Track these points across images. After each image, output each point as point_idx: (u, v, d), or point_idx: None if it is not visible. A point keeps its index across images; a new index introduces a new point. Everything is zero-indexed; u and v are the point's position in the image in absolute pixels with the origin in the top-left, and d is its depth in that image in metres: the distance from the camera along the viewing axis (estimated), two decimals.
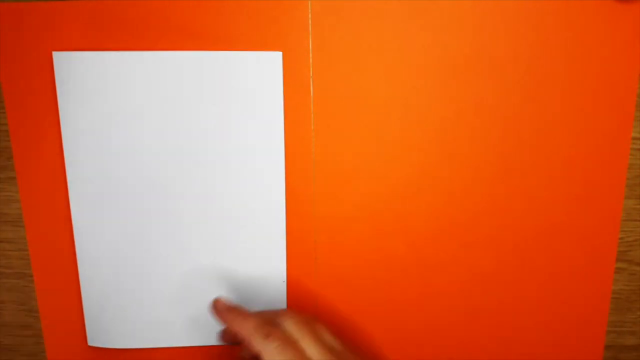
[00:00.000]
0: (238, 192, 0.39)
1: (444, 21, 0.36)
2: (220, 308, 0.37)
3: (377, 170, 0.38)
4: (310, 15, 0.37)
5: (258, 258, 0.40)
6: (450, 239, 0.39)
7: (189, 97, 0.37)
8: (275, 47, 0.37)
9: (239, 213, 0.39)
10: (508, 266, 0.40)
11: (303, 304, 0.41)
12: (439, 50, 0.37)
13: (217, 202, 0.39)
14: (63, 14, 0.37)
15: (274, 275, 0.40)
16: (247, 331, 0.31)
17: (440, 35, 0.37)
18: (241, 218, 0.39)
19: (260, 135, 0.38)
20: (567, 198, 0.39)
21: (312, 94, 0.38)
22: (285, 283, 0.41)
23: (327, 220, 0.40)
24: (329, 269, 0.40)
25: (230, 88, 0.37)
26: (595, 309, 0.41)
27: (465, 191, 0.38)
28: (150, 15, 0.37)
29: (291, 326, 0.32)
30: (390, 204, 0.39)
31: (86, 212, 0.39)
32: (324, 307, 0.41)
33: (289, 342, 0.31)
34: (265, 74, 0.37)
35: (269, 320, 0.32)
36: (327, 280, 0.40)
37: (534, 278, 0.40)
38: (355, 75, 0.37)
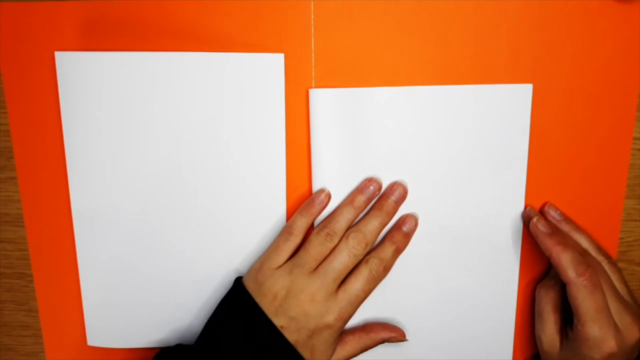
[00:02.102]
0: (239, 192, 0.39)
1: (446, 22, 0.36)
2: (541, 231, 0.36)
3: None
4: (312, 17, 0.37)
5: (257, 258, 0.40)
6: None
7: (191, 98, 0.37)
8: (278, 48, 0.37)
9: (239, 214, 0.39)
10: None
11: None
12: (440, 52, 0.37)
13: (218, 203, 0.39)
14: (65, 14, 0.37)
15: None
16: (565, 262, 0.34)
17: (442, 37, 0.37)
18: (242, 218, 0.39)
19: (262, 137, 0.38)
20: (568, 198, 0.39)
21: None
22: None
23: None
24: None
25: (233, 89, 0.37)
26: None
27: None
28: (153, 17, 0.37)
29: (599, 272, 0.35)
30: None
31: (86, 212, 0.39)
32: None
33: (596, 286, 0.34)
34: (267, 76, 0.37)
35: (582, 258, 0.34)
36: None
37: (536, 276, 0.40)
38: (357, 77, 0.37)
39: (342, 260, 0.35)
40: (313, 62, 0.37)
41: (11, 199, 0.40)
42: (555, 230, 0.36)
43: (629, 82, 0.37)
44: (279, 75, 0.37)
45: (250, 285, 0.36)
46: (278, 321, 0.34)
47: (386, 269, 0.37)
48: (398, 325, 0.40)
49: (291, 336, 0.34)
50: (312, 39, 0.37)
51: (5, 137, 0.39)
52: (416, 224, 0.38)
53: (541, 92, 0.37)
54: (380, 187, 0.38)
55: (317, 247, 0.36)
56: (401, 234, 0.37)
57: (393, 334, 0.39)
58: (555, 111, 0.38)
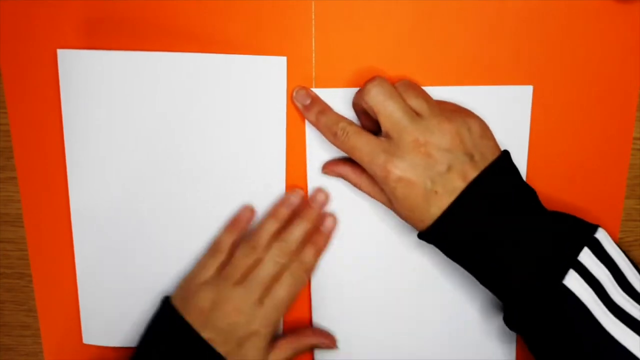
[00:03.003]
0: (239, 194, 0.39)
1: (446, 23, 0.36)
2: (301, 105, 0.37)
3: None
4: (313, 18, 0.37)
5: None
6: None
7: (192, 99, 0.37)
8: (278, 49, 0.37)
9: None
10: None
11: (300, 305, 0.41)
12: (441, 52, 0.37)
13: (218, 204, 0.39)
14: (67, 12, 0.37)
15: None
16: (322, 127, 0.36)
17: (442, 38, 0.37)
18: None
19: (262, 138, 0.38)
20: (568, 198, 0.39)
21: None
22: None
23: None
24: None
25: (234, 91, 0.37)
26: None
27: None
28: (155, 16, 0.37)
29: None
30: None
31: (86, 212, 0.39)
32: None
33: (351, 146, 0.34)
34: (269, 79, 0.37)
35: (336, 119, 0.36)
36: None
37: None
38: (357, 77, 0.37)
39: (267, 269, 0.36)
40: (313, 62, 0.37)
41: (11, 199, 0.40)
42: (315, 100, 0.37)
43: (629, 82, 0.37)
44: (281, 78, 0.37)
45: (177, 303, 0.37)
46: (206, 334, 0.35)
47: (308, 271, 0.38)
48: (396, 323, 0.41)
49: (221, 348, 0.35)
50: (313, 40, 0.37)
51: (5, 137, 0.39)
52: (334, 223, 0.39)
53: (541, 92, 0.37)
54: (302, 198, 0.39)
55: (241, 260, 0.36)
56: (321, 235, 0.38)
57: (323, 340, 0.39)
58: (555, 112, 0.38)
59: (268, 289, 0.36)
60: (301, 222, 0.38)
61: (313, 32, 0.37)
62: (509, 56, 0.37)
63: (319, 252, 0.38)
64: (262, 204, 0.39)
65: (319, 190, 0.39)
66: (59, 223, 0.40)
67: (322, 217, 0.39)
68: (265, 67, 0.37)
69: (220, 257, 0.37)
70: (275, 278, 0.36)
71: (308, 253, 0.37)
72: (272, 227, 0.37)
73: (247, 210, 0.39)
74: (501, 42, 0.37)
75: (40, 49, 0.37)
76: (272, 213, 0.38)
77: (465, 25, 0.36)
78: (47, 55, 0.37)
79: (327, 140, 0.36)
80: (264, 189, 0.39)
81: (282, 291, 0.36)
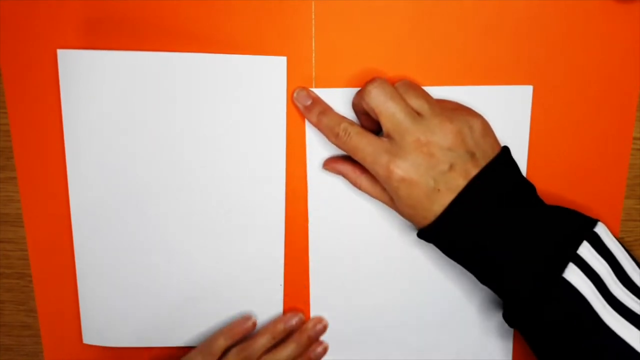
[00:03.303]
0: (238, 194, 0.39)
1: (446, 24, 0.36)
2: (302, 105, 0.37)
3: None
4: (313, 18, 0.37)
5: (256, 260, 0.40)
6: None
7: (192, 99, 0.37)
8: (278, 49, 0.37)
9: (239, 215, 0.39)
10: None
11: (299, 307, 0.41)
12: (440, 52, 0.37)
13: (218, 204, 0.39)
14: (68, 11, 0.37)
15: (272, 278, 0.40)
16: (324, 128, 0.36)
17: (442, 38, 0.37)
18: (241, 219, 0.39)
19: (262, 139, 0.38)
20: (568, 198, 0.39)
21: None
22: (282, 286, 0.41)
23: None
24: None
25: (235, 91, 0.37)
26: None
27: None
28: (155, 16, 0.37)
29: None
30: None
31: (86, 212, 0.39)
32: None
33: (353, 147, 0.34)
34: (269, 79, 0.37)
35: (339, 120, 0.36)
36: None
37: None
38: (357, 77, 0.37)
39: None
40: (313, 62, 0.37)
41: (11, 199, 0.40)
42: (316, 101, 0.37)
43: (629, 82, 0.37)
44: (281, 78, 0.37)
45: None
46: None
47: None
48: (395, 321, 0.41)
49: None
50: (313, 40, 0.37)
51: (5, 137, 0.39)
52: (324, 351, 0.41)
53: (541, 92, 0.37)
54: (302, 322, 0.41)
55: None
56: None
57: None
58: (555, 112, 0.38)
59: None
60: (293, 345, 0.40)
61: (313, 32, 0.37)
62: (509, 56, 0.37)
63: None
64: (261, 201, 0.39)
65: (320, 319, 0.41)
66: (59, 223, 0.40)
67: (314, 345, 0.41)
68: (265, 67, 0.37)
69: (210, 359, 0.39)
70: None
71: None
72: (266, 342, 0.39)
73: (248, 321, 0.40)
74: (501, 42, 0.37)
75: (40, 49, 0.37)
76: (269, 328, 0.40)
77: (465, 25, 0.36)
78: (47, 55, 0.37)
79: (327, 140, 0.36)
80: (264, 189, 0.39)
81: None
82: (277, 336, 0.40)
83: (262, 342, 0.39)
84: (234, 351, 0.39)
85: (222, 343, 0.39)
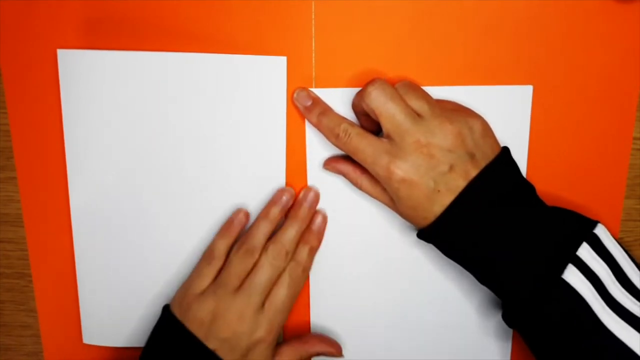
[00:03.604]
0: (239, 194, 0.39)
1: (446, 24, 0.36)
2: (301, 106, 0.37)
3: None
4: (313, 18, 0.37)
5: None
6: None
7: (193, 99, 0.37)
8: (278, 49, 0.37)
9: None
10: None
11: (298, 305, 0.41)
12: (440, 53, 0.37)
13: (218, 204, 0.39)
14: (68, 11, 0.37)
15: None
16: (324, 129, 0.36)
17: (442, 38, 0.37)
18: None
19: (263, 139, 0.38)
20: (568, 198, 0.39)
21: None
22: None
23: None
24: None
25: (235, 90, 0.37)
26: None
27: None
28: (155, 16, 0.37)
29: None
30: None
31: (86, 212, 0.39)
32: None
33: (353, 147, 0.34)
34: (269, 79, 0.37)
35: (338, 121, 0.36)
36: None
37: None
38: (358, 78, 0.37)
39: (265, 273, 0.36)
40: (313, 62, 0.37)
41: (11, 199, 0.40)
42: (316, 101, 0.37)
43: (629, 82, 0.37)
44: (281, 78, 0.37)
45: (177, 312, 0.36)
46: (210, 344, 0.35)
47: (305, 270, 0.38)
48: (394, 321, 0.41)
49: (226, 357, 0.35)
50: (313, 40, 0.37)
51: (5, 137, 0.39)
52: (324, 220, 0.39)
53: (541, 92, 0.37)
54: (293, 196, 0.39)
55: (238, 266, 0.36)
56: (312, 233, 0.38)
57: (330, 349, 0.39)
58: (555, 112, 0.38)
59: (268, 293, 0.36)
60: (294, 223, 0.38)
61: (313, 32, 0.37)
62: (509, 56, 0.37)
63: (313, 251, 0.38)
64: (261, 204, 0.39)
65: (309, 188, 0.39)
66: (59, 223, 0.40)
67: (313, 215, 0.39)
68: (265, 67, 0.37)
69: (216, 264, 0.37)
70: (274, 281, 0.36)
71: (303, 253, 0.37)
72: (265, 229, 0.37)
73: (241, 214, 0.38)
74: (501, 42, 0.37)
75: (40, 49, 0.37)
76: (264, 214, 0.38)
77: (465, 25, 0.36)
78: (47, 55, 0.37)
79: (327, 140, 0.36)
80: (264, 189, 0.39)
81: (282, 294, 0.36)
82: (274, 220, 0.38)
83: (262, 230, 0.37)
84: (236, 248, 0.37)
85: (222, 245, 0.37)
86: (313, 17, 0.37)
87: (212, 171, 0.39)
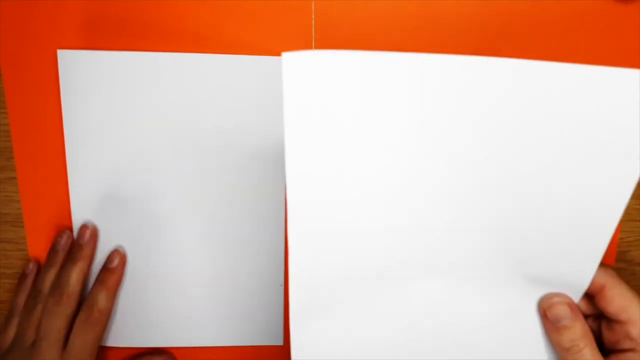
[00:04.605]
0: (238, 194, 0.39)
1: (447, 24, 0.36)
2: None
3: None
4: (313, 18, 0.37)
5: (257, 260, 0.40)
6: None
7: (192, 99, 0.37)
8: (278, 50, 0.37)
9: (239, 215, 0.39)
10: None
11: None
12: (442, 52, 0.37)
13: (218, 204, 0.39)
14: (67, 12, 0.37)
15: (272, 277, 0.40)
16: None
17: (443, 39, 0.37)
18: (242, 220, 0.39)
19: (265, 140, 0.38)
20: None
21: None
22: (282, 286, 0.41)
23: None
24: None
25: (235, 91, 0.37)
26: None
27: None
28: (155, 17, 0.37)
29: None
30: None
31: (87, 213, 0.39)
32: None
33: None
34: (270, 79, 0.37)
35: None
36: None
37: None
38: None
39: (51, 321, 0.35)
40: None
41: (11, 199, 0.40)
42: None
43: None
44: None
45: None
46: None
47: (102, 312, 0.37)
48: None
49: None
50: (313, 40, 0.37)
51: (5, 137, 0.39)
52: (122, 259, 0.39)
53: None
54: (71, 235, 0.39)
55: (29, 317, 0.36)
56: (107, 272, 0.38)
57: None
58: None
59: (65, 341, 0.35)
60: (72, 263, 0.37)
61: (313, 32, 0.37)
62: (509, 56, 0.37)
63: (110, 290, 0.38)
64: (260, 202, 0.39)
65: (85, 226, 0.39)
66: (59, 223, 0.40)
67: (109, 254, 0.39)
68: (265, 67, 0.37)
69: (15, 320, 0.37)
70: (65, 324, 0.36)
71: (97, 293, 0.37)
72: (49, 274, 0.37)
73: (30, 264, 0.39)
74: (501, 42, 0.37)
75: (40, 49, 0.37)
76: (46, 260, 0.38)
77: (466, 26, 0.36)
78: (47, 55, 0.37)
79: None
80: (263, 187, 0.39)
81: (78, 339, 0.35)
82: (57, 262, 0.37)
83: (46, 277, 0.37)
84: (26, 299, 0.37)
85: (18, 299, 0.38)
86: (313, 17, 0.37)
87: (214, 172, 0.39)
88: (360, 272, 0.31)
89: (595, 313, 0.33)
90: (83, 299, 0.38)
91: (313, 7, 0.36)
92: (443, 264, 0.32)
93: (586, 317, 0.33)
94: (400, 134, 0.28)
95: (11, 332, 0.37)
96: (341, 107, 0.27)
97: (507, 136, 0.29)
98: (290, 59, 0.26)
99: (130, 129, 0.38)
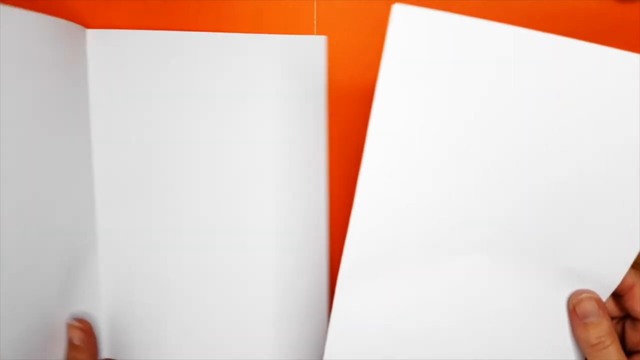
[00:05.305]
0: (271, 196, 0.38)
1: None
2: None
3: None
4: (315, 18, 0.37)
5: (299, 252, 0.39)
6: None
7: (219, 81, 0.37)
8: None
9: (276, 215, 0.38)
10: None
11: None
12: None
13: (244, 205, 0.38)
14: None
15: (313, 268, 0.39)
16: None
17: None
18: (280, 222, 0.38)
19: (301, 129, 0.37)
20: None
21: None
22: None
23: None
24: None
25: (268, 73, 0.36)
26: None
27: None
28: (155, 17, 0.37)
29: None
30: None
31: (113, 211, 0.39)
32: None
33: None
34: (306, 59, 0.37)
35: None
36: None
37: None
38: (360, 80, 0.37)
39: None
40: None
41: None
42: None
43: None
44: (321, 59, 0.36)
45: None
46: None
47: None
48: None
49: None
50: None
51: None
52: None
53: None
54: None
55: None
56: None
57: None
58: None
59: None
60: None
61: (314, 32, 0.37)
62: None
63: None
64: (299, 206, 0.38)
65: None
66: None
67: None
68: (301, 47, 0.36)
69: None
70: None
71: None
72: None
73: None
74: None
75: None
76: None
77: None
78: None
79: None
80: (303, 187, 0.38)
81: None
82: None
83: None
84: None
85: None
86: (315, 17, 0.37)
87: (251, 160, 0.37)
88: (417, 239, 0.31)
89: (619, 315, 0.34)
90: None
91: (315, 6, 0.37)
92: (483, 240, 0.32)
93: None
94: (480, 107, 0.28)
95: None
96: (438, 71, 0.28)
97: (562, 126, 0.29)
98: (400, 11, 0.27)
99: (161, 114, 0.37)
